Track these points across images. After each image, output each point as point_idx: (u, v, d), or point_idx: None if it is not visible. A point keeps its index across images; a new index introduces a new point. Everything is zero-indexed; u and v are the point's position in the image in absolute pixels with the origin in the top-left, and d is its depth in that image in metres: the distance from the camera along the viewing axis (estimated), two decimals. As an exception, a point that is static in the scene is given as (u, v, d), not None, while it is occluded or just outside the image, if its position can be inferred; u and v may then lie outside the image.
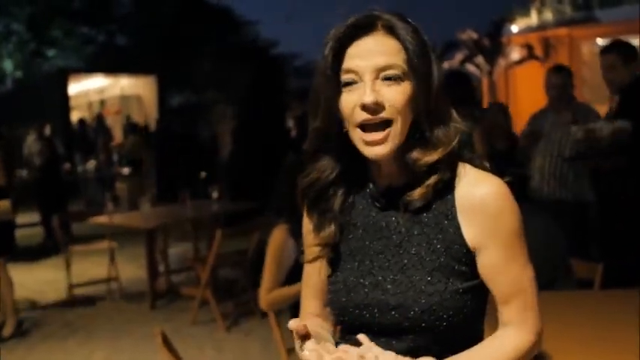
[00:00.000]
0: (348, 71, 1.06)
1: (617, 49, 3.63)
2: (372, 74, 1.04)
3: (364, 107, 1.04)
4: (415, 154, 1.08)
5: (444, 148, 1.07)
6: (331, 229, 1.16)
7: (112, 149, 12.88)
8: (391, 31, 1.06)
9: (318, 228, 1.18)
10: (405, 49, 1.05)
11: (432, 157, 1.07)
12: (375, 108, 1.03)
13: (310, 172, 1.16)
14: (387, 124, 1.05)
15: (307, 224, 1.23)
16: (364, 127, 1.06)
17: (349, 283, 1.14)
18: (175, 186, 9.67)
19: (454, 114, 1.11)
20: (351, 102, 1.06)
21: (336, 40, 1.06)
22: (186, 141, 10.28)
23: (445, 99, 1.10)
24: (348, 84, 1.06)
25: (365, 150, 1.07)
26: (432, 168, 1.08)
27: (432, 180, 1.08)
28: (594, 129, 3.55)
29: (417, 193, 1.08)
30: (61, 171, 8.31)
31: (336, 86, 1.07)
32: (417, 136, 1.08)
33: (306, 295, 1.32)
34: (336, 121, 1.09)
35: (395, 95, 1.04)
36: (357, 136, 1.07)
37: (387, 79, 1.05)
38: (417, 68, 1.06)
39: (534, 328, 1.11)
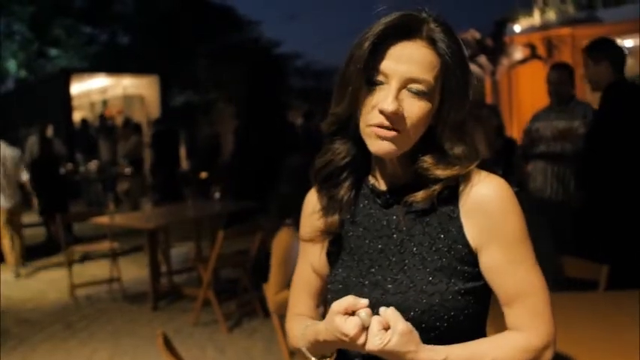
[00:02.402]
0: (380, 71, 1.03)
1: (599, 47, 3.49)
2: (400, 82, 1.02)
3: (382, 113, 1.02)
4: (428, 163, 1.06)
5: (462, 167, 1.05)
6: (335, 217, 1.15)
7: (117, 150, 12.85)
8: (433, 43, 1.03)
9: (324, 211, 1.17)
10: (442, 65, 1.03)
11: (445, 172, 1.05)
12: (392, 118, 1.01)
13: (325, 153, 1.15)
14: (397, 131, 1.03)
15: (313, 205, 1.21)
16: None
17: (349, 283, 1.12)
18: (174, 186, 9.66)
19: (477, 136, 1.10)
20: (372, 101, 1.04)
21: (377, 37, 1.03)
22: (185, 140, 10.28)
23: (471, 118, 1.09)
24: (376, 83, 1.04)
25: (372, 144, 1.05)
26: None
27: (438, 186, 1.06)
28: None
29: (420, 195, 1.07)
30: (58, 171, 8.25)
31: (365, 80, 1.05)
32: (435, 147, 1.06)
33: (299, 293, 1.29)
34: (356, 112, 1.07)
35: (416, 110, 1.02)
36: (368, 130, 1.05)
37: (413, 91, 1.02)
38: (450, 87, 1.04)
39: (544, 336, 1.05)
